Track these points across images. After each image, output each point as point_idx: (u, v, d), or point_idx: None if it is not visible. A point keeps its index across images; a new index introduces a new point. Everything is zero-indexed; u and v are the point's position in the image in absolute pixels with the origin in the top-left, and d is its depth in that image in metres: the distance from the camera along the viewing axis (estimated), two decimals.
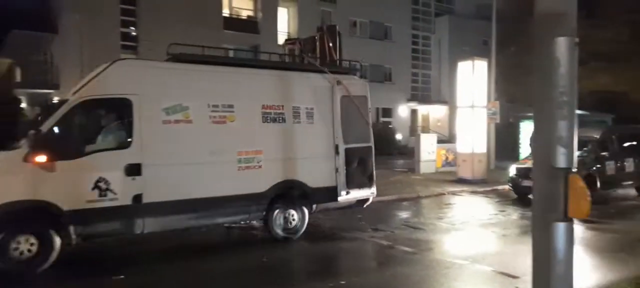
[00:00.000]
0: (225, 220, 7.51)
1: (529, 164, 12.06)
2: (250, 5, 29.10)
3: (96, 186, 6.15)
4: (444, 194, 13.71)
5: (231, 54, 22.94)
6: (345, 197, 8.21)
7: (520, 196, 12.36)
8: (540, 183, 2.93)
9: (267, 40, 26.82)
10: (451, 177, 16.54)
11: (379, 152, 31.20)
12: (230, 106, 7.15)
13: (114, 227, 6.40)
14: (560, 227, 2.80)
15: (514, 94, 29.25)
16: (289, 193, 7.72)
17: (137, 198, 6.35)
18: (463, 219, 10.11)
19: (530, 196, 13.23)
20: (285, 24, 30.16)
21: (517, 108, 28.23)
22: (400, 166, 21.31)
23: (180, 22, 22.22)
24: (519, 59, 26.38)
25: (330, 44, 9.40)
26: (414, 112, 35.69)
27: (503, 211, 11.11)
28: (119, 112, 6.58)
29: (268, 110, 7.52)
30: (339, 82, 8.34)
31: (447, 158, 18.91)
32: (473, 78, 16.03)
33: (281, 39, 26.51)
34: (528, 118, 19.90)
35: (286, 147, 7.70)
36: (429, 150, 18.42)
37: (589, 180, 9.71)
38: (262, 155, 7.38)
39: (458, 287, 5.80)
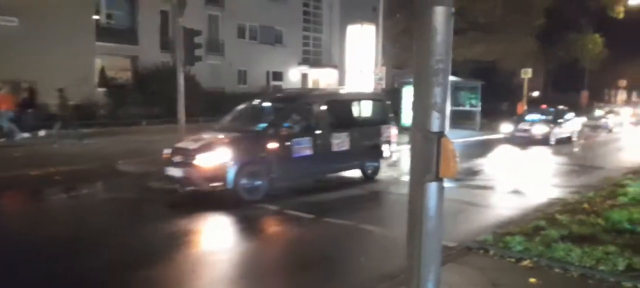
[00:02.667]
0: None
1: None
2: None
3: None
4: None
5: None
6: None
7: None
8: (417, 145, 3.06)
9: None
10: None
11: None
12: None
13: None
14: (433, 186, 2.99)
15: (400, 60, 30.86)
16: None
17: None
18: (349, 181, 10.54)
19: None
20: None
21: (403, 74, 29.86)
22: None
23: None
24: (405, 26, 27.77)
25: None
26: (304, 76, 35.95)
27: (385, 172, 11.75)
28: None
29: None
30: None
31: None
32: (362, 43, 16.53)
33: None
34: (409, 83, 21.21)
35: None
36: None
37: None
38: None
39: (343, 247, 6.03)
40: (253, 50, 31.69)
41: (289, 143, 8.62)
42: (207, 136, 8.68)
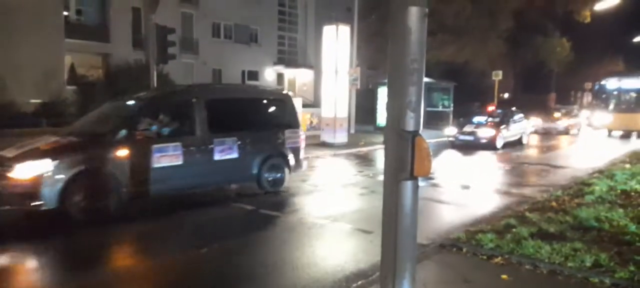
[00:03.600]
0: None
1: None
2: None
3: None
4: (308, 157, 14.10)
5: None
6: None
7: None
8: (391, 145, 3.09)
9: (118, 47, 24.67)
10: (316, 141, 17.11)
11: None
12: None
13: None
14: (407, 184, 3.02)
15: (375, 61, 31.15)
16: None
17: None
18: (325, 181, 10.56)
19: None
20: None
21: (378, 75, 30.16)
22: None
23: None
24: (379, 27, 28.04)
25: None
26: (280, 76, 35.92)
27: (361, 172, 11.86)
28: None
29: None
30: None
31: (312, 122, 19.48)
32: (337, 43, 16.57)
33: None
34: (384, 84, 21.45)
35: None
36: None
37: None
38: None
39: (318, 245, 6.04)
40: (228, 49, 31.45)
41: (148, 149, 7.13)
42: (40, 141, 7.23)
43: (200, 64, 30.01)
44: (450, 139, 18.09)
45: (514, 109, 20.96)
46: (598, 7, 29.01)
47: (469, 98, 31.39)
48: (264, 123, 9.18)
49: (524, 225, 6.15)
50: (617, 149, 17.23)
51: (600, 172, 10.89)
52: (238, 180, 8.79)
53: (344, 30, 16.91)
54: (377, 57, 30.36)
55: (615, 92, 23.75)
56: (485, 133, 17.24)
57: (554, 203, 7.48)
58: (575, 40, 37.79)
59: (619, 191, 8.25)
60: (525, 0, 31.87)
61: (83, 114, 21.44)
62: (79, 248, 5.90)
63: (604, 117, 23.34)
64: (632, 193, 8.05)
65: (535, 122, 24.87)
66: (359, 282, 4.61)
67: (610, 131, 23.58)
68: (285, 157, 9.06)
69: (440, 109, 25.18)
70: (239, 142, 8.20)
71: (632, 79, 23.60)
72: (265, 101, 9.60)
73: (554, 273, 4.69)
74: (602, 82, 24.49)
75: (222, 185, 8.86)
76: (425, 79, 18.61)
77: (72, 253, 5.78)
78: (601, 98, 24.29)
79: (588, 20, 33.55)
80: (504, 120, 18.28)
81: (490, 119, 18.26)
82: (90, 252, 5.76)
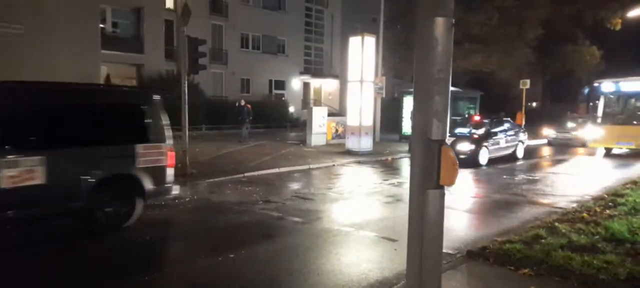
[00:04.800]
0: None
1: None
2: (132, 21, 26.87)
3: None
4: (334, 165, 14.21)
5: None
6: None
7: None
8: (418, 153, 3.12)
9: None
10: (341, 149, 17.18)
11: (272, 124, 31.38)
12: None
13: None
14: (434, 193, 3.05)
15: (400, 70, 31.07)
16: None
17: None
18: (350, 189, 10.59)
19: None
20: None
21: (403, 84, 30.07)
22: (292, 138, 21.58)
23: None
24: (404, 36, 28.00)
25: None
26: (306, 85, 36.22)
27: (386, 180, 11.84)
28: None
29: None
30: None
31: (337, 131, 19.57)
32: (362, 53, 16.65)
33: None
34: (410, 93, 21.09)
35: None
36: (320, 123, 18.92)
37: None
38: None
39: (343, 252, 6.07)
40: (256, 59, 31.94)
41: None
42: None
43: (229, 74, 30.57)
44: None
45: (505, 117, 18.09)
46: (630, 14, 28.20)
47: (495, 107, 30.94)
48: (102, 135, 6.68)
49: (553, 236, 6.03)
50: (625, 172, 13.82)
51: (635, 182, 10.48)
52: (48, 213, 6.22)
53: (370, 40, 16.99)
54: (402, 66, 30.29)
55: (612, 97, 18.01)
56: (464, 147, 14.41)
57: (585, 214, 7.31)
58: (606, 49, 36.84)
59: None
60: (554, 9, 31.28)
61: None
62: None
63: (597, 131, 17.65)
64: None
65: (548, 132, 23.01)
66: None
67: (608, 150, 18.10)
68: (135, 181, 6.81)
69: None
70: (49, 164, 5.95)
71: (634, 82, 17.48)
72: (105, 105, 6.98)
73: (585, 286, 4.59)
74: (595, 84, 18.52)
75: (20, 223, 6.31)
76: (451, 88, 18.17)
77: None
78: (595, 106, 18.44)
79: (619, 27, 32.65)
80: (491, 131, 15.48)
81: (473, 131, 15.48)
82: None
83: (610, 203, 8.11)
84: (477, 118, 17.04)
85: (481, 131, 15.41)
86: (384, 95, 19.24)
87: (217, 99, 27.46)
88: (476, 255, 5.48)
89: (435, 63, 2.98)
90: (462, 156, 13.94)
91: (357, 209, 8.63)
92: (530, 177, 12.68)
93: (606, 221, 6.72)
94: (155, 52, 26.57)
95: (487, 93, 26.59)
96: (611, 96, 17.99)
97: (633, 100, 17.77)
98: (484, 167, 14.29)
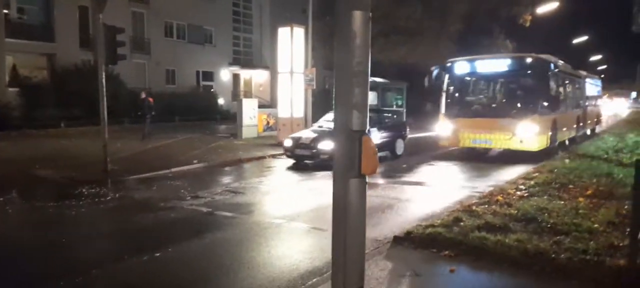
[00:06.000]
0: None
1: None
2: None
3: None
4: (265, 158, 14.15)
5: None
6: None
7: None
8: (340, 144, 3.19)
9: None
10: (272, 141, 17.13)
11: (201, 117, 30.55)
12: None
13: None
14: (356, 182, 3.14)
15: (331, 62, 31.39)
16: None
17: None
18: (282, 181, 10.61)
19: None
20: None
21: (334, 75, 30.47)
22: (222, 131, 21.21)
23: None
24: (334, 28, 28.32)
25: None
26: (236, 77, 35.60)
27: (317, 172, 11.97)
28: None
29: None
30: None
31: (268, 123, 19.48)
32: (292, 44, 16.64)
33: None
34: None
35: None
36: (250, 115, 18.73)
37: None
38: None
39: (274, 245, 6.08)
40: (181, 49, 30.86)
41: None
42: None
43: (152, 64, 29.30)
44: (288, 151, 12.78)
45: (382, 110, 15.14)
46: (539, 10, 30.53)
47: (422, 97, 32.22)
48: None
49: (472, 218, 6.42)
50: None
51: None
52: None
53: (299, 31, 17.01)
54: (333, 58, 30.60)
55: (467, 81, 14.34)
56: (326, 146, 11.69)
57: (499, 197, 7.84)
58: (518, 42, 39.57)
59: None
60: (473, 4, 33.08)
61: (28, 117, 20.70)
62: None
63: (448, 126, 13.62)
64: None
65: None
66: (314, 279, 4.71)
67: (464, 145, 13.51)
68: None
69: (394, 108, 25.72)
70: None
71: (496, 60, 13.74)
72: None
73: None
74: (448, 64, 14.21)
75: None
76: (379, 80, 17.71)
77: None
78: (441, 92, 14.14)
79: (528, 24, 35.22)
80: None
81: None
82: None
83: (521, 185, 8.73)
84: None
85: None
86: (314, 87, 19.33)
87: (140, 91, 26.21)
88: (402, 239, 5.71)
89: (354, 56, 3.06)
90: (325, 156, 11.72)
91: (288, 201, 8.67)
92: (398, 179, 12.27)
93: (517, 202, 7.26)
94: (69, 40, 24.87)
95: (414, 84, 27.55)
96: (466, 79, 14.28)
97: (492, 85, 14.29)
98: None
